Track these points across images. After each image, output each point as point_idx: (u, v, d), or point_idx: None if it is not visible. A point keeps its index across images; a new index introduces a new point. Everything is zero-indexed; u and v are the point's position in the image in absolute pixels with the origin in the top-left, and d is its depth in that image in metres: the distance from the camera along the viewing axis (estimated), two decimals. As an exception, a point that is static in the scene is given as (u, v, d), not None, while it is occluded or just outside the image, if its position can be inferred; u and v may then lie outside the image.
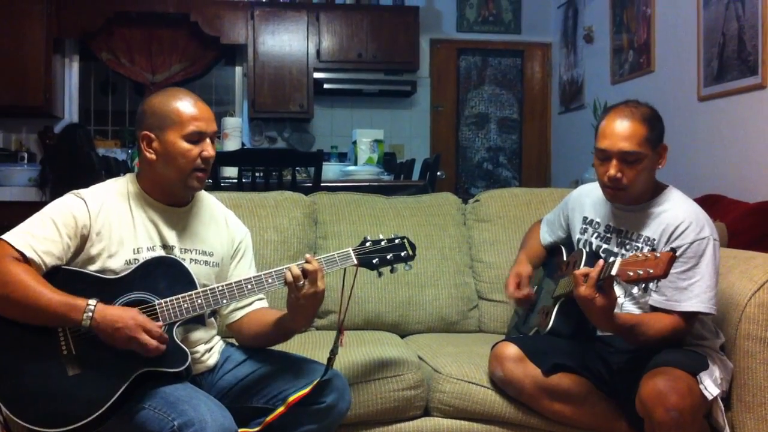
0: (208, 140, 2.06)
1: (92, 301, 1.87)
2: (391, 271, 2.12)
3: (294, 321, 2.09)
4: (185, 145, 2.03)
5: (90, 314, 1.85)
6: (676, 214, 2.28)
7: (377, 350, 2.53)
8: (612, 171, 2.26)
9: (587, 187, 2.63)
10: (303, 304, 2.02)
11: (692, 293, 2.19)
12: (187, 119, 2.03)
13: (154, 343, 1.87)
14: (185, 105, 2.05)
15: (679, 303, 2.20)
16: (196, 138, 2.04)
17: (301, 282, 1.98)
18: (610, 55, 5.76)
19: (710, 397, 2.12)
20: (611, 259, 2.07)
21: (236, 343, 2.32)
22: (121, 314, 1.88)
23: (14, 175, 5.85)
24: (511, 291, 2.61)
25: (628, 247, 2.37)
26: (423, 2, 6.94)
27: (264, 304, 2.28)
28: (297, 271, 1.98)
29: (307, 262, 1.99)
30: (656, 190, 2.37)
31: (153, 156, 2.05)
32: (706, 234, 2.24)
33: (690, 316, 2.21)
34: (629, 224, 2.39)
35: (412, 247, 2.15)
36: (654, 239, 2.31)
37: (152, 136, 2.05)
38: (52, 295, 1.86)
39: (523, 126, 7.36)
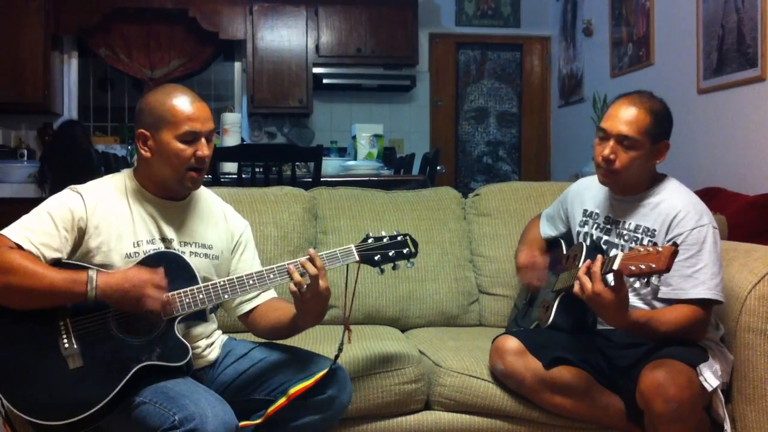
0: (203, 140, 2.05)
1: (92, 272, 1.88)
2: (393, 268, 2.13)
3: (303, 320, 2.10)
4: (179, 145, 2.02)
5: (93, 284, 1.86)
6: (674, 203, 2.29)
7: (378, 345, 2.53)
8: (606, 151, 2.28)
9: (587, 180, 2.63)
10: (310, 306, 2.03)
11: (698, 280, 2.19)
12: (182, 119, 2.01)
13: (163, 297, 1.91)
14: (181, 104, 2.03)
15: (685, 291, 2.20)
16: (190, 138, 2.02)
17: (304, 287, 1.98)
18: (610, 48, 5.76)
19: (710, 389, 2.12)
20: (612, 252, 2.07)
21: (237, 338, 2.33)
22: (124, 278, 1.90)
23: (13, 172, 5.86)
24: (527, 278, 2.62)
25: (626, 238, 2.37)
26: (422, -4, 6.94)
27: (273, 294, 2.29)
28: (298, 277, 1.98)
29: (310, 258, 1.99)
30: (654, 180, 2.38)
31: (148, 154, 2.06)
32: (706, 221, 2.25)
33: (704, 305, 2.19)
34: (628, 215, 2.39)
35: (414, 244, 2.16)
36: (654, 229, 2.31)
37: (147, 134, 2.04)
38: (53, 274, 1.87)
39: (522, 120, 7.36)
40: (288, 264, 2.02)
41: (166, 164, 2.05)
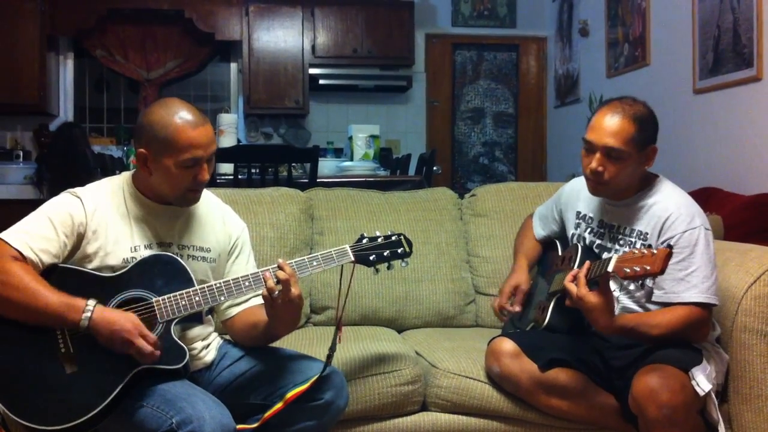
0: (204, 164, 2.02)
1: (91, 302, 1.86)
2: (388, 267, 2.13)
3: (276, 328, 2.10)
4: (179, 171, 1.99)
5: (89, 315, 1.84)
6: (666, 205, 2.28)
7: (374, 346, 2.53)
8: (594, 164, 2.26)
9: (580, 181, 2.61)
10: (280, 313, 2.01)
11: (690, 283, 2.18)
12: (184, 146, 1.96)
13: (149, 348, 1.86)
14: (184, 129, 1.96)
15: (677, 294, 2.19)
16: (191, 164, 1.99)
17: (276, 292, 1.96)
18: (606, 48, 5.76)
19: (702, 393, 2.10)
20: (605, 255, 2.07)
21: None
22: (119, 317, 1.87)
23: (10, 173, 5.85)
24: (502, 302, 2.61)
25: (621, 242, 2.37)
26: (418, -3, 6.94)
27: (260, 300, 2.28)
28: (271, 284, 1.96)
29: (279, 267, 1.98)
30: (645, 182, 2.37)
31: (147, 173, 2.03)
32: (698, 224, 2.24)
33: (700, 307, 2.18)
34: (621, 219, 2.39)
35: (409, 243, 2.16)
36: (647, 233, 2.31)
37: (147, 154, 2.00)
38: (51, 296, 1.85)
39: (518, 120, 7.37)
40: (262, 271, 2.01)
41: (165, 184, 2.03)
